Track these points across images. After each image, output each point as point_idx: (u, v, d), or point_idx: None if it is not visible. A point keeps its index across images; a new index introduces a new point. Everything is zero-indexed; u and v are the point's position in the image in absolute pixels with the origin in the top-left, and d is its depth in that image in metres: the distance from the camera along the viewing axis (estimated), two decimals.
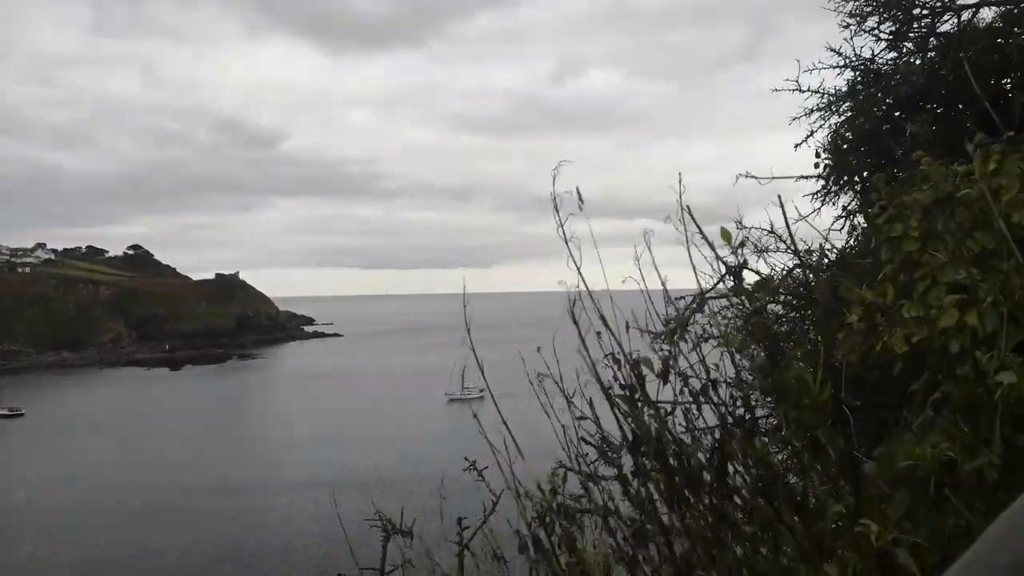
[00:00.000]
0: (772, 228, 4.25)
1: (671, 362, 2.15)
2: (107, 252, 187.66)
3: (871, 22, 4.41)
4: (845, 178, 5.15)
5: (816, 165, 5.33)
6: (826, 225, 5.28)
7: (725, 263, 1.87)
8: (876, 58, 4.66)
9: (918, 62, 5.06)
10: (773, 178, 2.56)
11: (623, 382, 2.11)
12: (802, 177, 5.29)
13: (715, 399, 2.20)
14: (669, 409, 2.06)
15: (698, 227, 1.87)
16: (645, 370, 2.26)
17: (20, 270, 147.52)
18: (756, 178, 2.52)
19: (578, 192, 1.91)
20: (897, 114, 4.94)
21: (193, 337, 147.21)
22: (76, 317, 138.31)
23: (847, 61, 4.65)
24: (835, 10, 4.38)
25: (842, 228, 5.02)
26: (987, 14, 4.81)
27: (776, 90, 5.09)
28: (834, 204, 5.23)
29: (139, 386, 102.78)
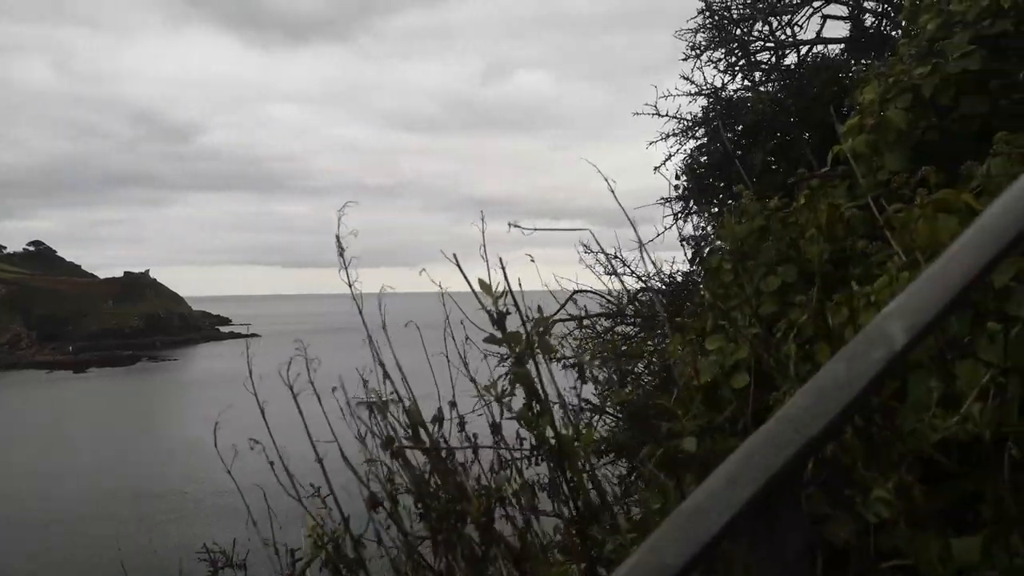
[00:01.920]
0: (617, 253, 4.32)
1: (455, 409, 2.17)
2: (5, 248, 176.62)
3: (719, 54, 4.58)
4: (703, 200, 5.32)
5: (676, 187, 5.46)
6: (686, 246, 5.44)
7: (489, 313, 1.89)
8: (726, 87, 4.85)
9: (771, 88, 5.28)
10: (536, 229, 2.62)
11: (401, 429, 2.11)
12: (665, 200, 5.42)
13: (498, 441, 2.22)
14: (445, 453, 2.06)
15: (469, 284, 1.88)
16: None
17: None
18: (521, 228, 2.57)
19: (338, 240, 1.90)
20: (748, 140, 5.15)
21: (100, 338, 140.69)
22: None
23: (699, 89, 4.81)
24: (682, 39, 4.54)
25: (693, 248, 5.18)
26: (833, 49, 5.07)
27: (637, 114, 5.20)
28: (693, 226, 5.39)
29: (37, 389, 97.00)
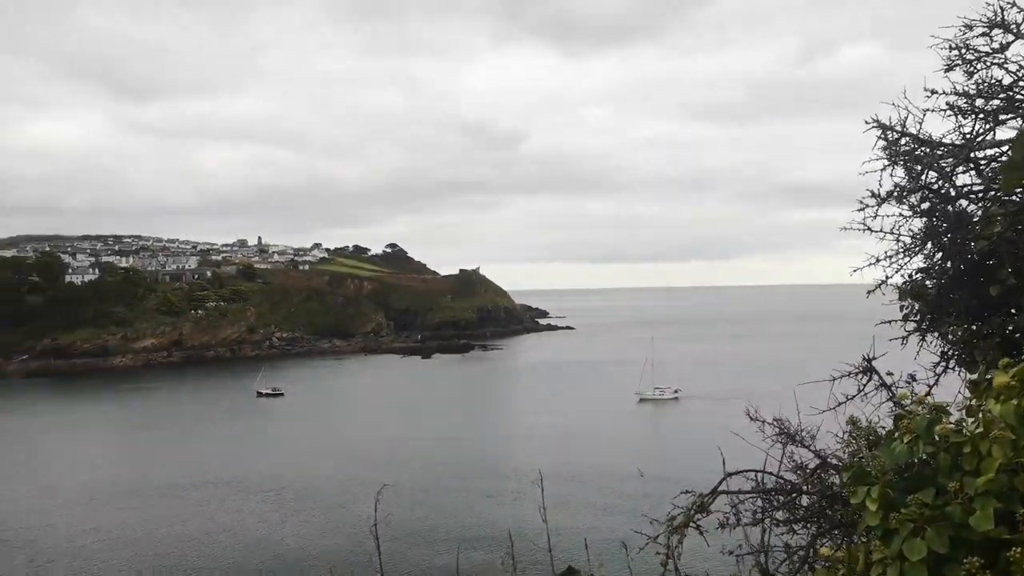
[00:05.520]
0: (790, 425, 4.00)
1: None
2: (370, 250, 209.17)
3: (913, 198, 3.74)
4: (935, 331, 4.52)
5: (901, 309, 4.78)
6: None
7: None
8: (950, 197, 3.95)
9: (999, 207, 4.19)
10: None
11: None
12: (884, 322, 4.77)
13: None
14: None
15: None
16: None
17: (301, 267, 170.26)
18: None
19: None
20: (984, 264, 4.19)
21: (440, 328, 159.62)
22: (344, 309, 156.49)
23: (912, 209, 4.04)
24: (863, 174, 3.77)
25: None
26: None
27: (844, 228, 4.61)
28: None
29: (392, 372, 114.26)
